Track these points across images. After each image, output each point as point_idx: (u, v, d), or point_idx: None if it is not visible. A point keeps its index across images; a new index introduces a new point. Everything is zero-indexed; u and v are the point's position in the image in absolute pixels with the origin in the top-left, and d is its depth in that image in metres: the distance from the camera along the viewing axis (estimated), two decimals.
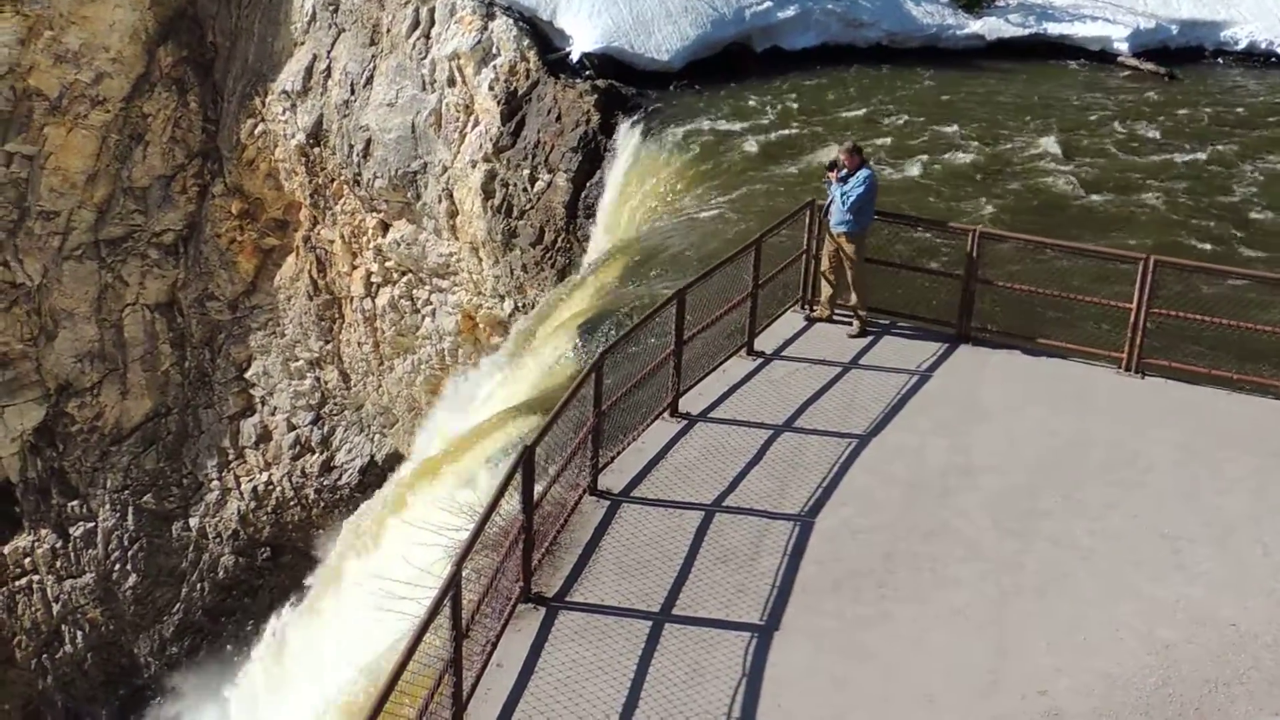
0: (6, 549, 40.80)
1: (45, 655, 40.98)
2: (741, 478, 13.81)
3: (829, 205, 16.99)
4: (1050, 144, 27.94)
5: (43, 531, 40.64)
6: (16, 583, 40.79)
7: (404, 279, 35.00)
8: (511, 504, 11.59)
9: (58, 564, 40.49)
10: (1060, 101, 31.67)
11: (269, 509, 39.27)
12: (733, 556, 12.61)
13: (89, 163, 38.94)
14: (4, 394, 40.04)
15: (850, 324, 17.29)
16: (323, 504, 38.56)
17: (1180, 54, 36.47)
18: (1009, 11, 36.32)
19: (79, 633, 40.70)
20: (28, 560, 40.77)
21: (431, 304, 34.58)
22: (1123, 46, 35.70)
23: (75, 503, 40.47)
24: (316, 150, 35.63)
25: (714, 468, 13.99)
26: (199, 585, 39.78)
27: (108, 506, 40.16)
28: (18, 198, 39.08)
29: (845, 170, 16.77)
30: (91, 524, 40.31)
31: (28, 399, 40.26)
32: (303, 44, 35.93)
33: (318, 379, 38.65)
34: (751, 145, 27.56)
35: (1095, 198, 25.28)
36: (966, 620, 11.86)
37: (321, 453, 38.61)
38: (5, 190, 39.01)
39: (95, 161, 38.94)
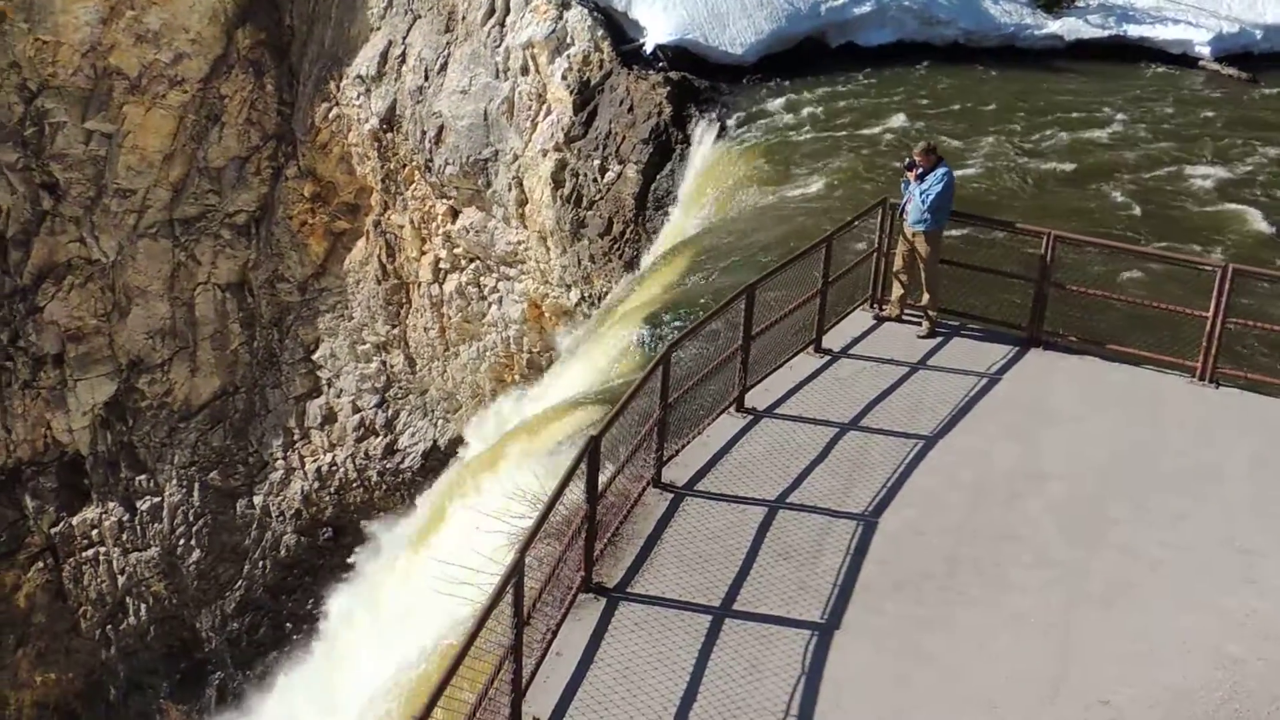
0: (75, 520, 41.49)
1: (109, 626, 41.64)
2: (805, 475, 13.75)
3: (905, 204, 16.85)
4: (1126, 148, 27.58)
5: (110, 504, 41.28)
6: (84, 554, 41.48)
7: (472, 266, 35.18)
8: (575, 494, 11.61)
9: (124, 537, 41.11)
10: (1138, 105, 31.23)
11: (332, 490, 39.65)
12: (794, 554, 12.56)
13: (166, 142, 39.45)
14: (77, 368, 40.70)
15: (920, 324, 17.15)
16: (385, 487, 38.87)
17: (1264, 59, 35.83)
18: (1088, 12, 35.84)
19: (142, 605, 41.31)
20: (95, 532, 41.44)
21: (498, 291, 34.73)
22: (1204, 50, 35.14)
23: (143, 477, 41.06)
24: (389, 135, 35.88)
25: (778, 464, 13.93)
26: (261, 563, 40.25)
27: (174, 482, 40.73)
28: (96, 175, 39.67)
29: (921, 170, 16.63)
30: (158, 499, 40.89)
31: (100, 374, 40.89)
32: (378, 29, 36.18)
33: (384, 362, 38.96)
34: (823, 141, 27.42)
35: (1171, 204, 24.92)
36: (1030, 626, 11.74)
37: (385, 436, 38.92)
38: (84, 167, 39.61)
39: (172, 141, 39.44)
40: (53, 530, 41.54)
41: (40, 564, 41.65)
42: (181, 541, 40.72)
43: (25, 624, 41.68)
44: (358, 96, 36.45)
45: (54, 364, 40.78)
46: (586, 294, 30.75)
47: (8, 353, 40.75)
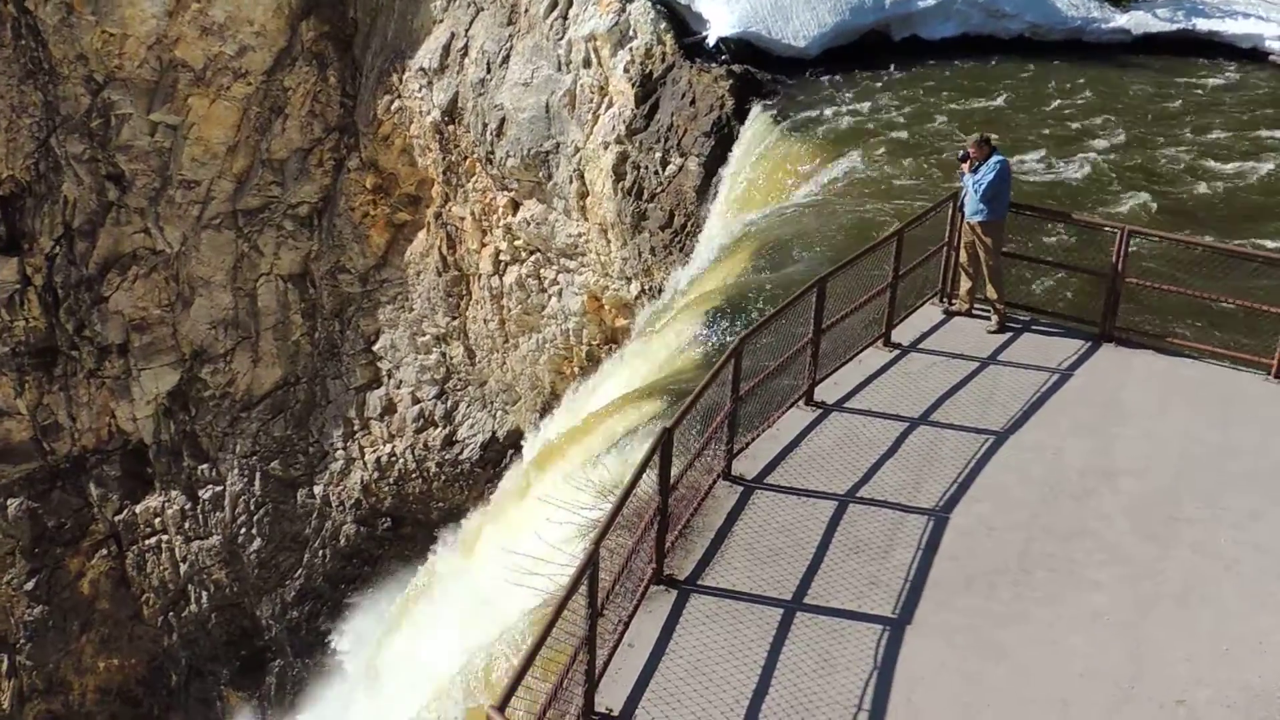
0: (138, 508, 42.02)
1: (171, 613, 42.16)
2: (876, 469, 13.69)
3: (963, 196, 16.80)
4: (1193, 142, 27.21)
5: (173, 493, 41.77)
6: (146, 541, 42.00)
7: (532, 258, 35.27)
8: (647, 486, 11.61)
9: (186, 525, 41.59)
10: (1206, 99, 30.81)
11: (391, 480, 39.92)
12: (865, 548, 12.52)
13: (230, 134, 39.82)
14: (141, 358, 41.21)
15: (989, 318, 17.03)
16: (444, 478, 39.08)
17: None
18: (1157, 6, 35.38)
19: (204, 593, 41.79)
20: (158, 520, 41.95)
21: (558, 284, 34.80)
22: (1275, 45, 34.57)
23: (205, 466, 41.52)
24: (451, 128, 36.03)
25: (848, 458, 13.89)
26: (321, 552, 40.59)
27: (236, 471, 41.15)
28: (161, 166, 40.12)
29: (977, 163, 16.55)
30: (220, 487, 41.34)
31: (163, 363, 41.38)
32: (441, 22, 36.33)
33: (443, 354, 39.15)
34: (886, 135, 27.25)
35: (1243, 198, 24.57)
36: (1104, 625, 11.64)
37: (444, 427, 39.13)
38: (149, 158, 40.07)
39: (236, 133, 39.81)
40: (116, 518, 42.11)
41: (104, 551, 42.25)
42: (243, 530, 41.14)
43: (89, 610, 42.30)
44: (420, 89, 36.62)
45: (118, 353, 41.32)
46: (647, 287, 30.73)
47: (73, 342, 41.34)
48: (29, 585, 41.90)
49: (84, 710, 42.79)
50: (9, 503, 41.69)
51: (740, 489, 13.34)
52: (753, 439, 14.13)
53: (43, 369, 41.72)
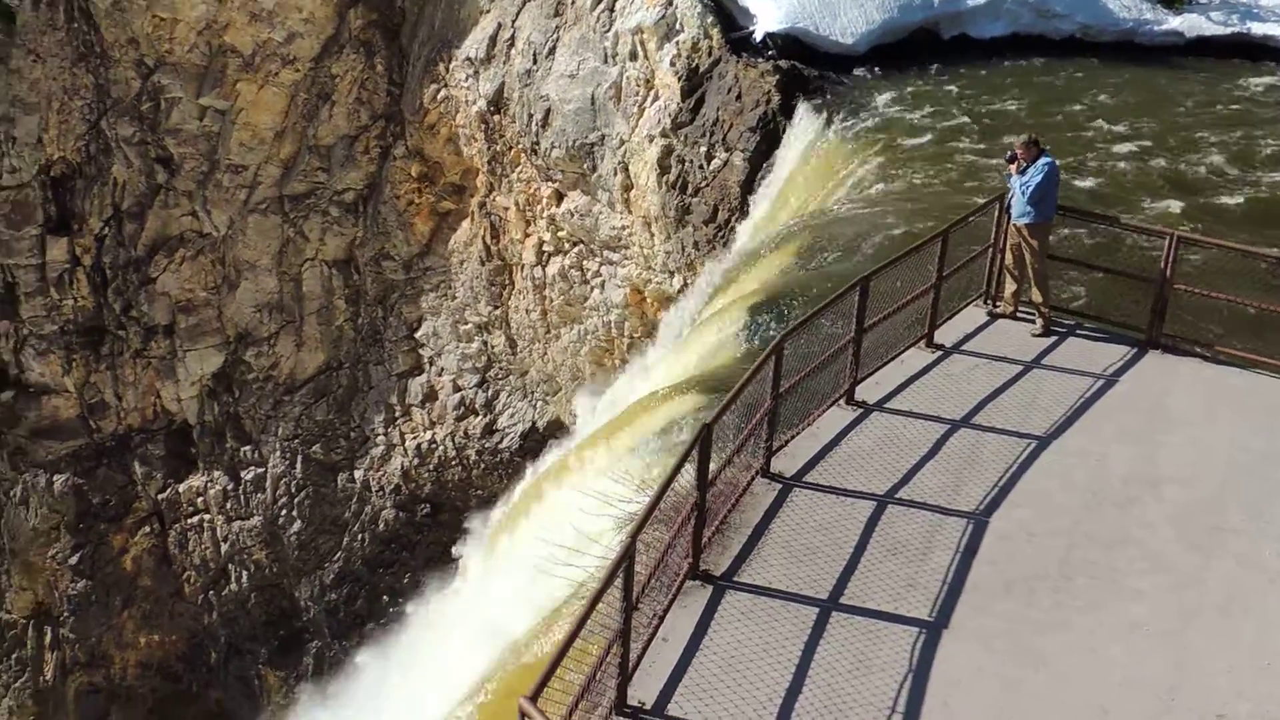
0: (181, 488, 42.42)
1: (211, 592, 42.55)
2: (916, 471, 13.63)
3: (1010, 197, 16.68)
4: (1246, 148, 26.88)
5: (216, 473, 42.14)
6: (189, 520, 42.41)
7: (575, 249, 35.30)
8: (685, 480, 11.60)
9: (228, 505, 41.95)
10: (1258, 105, 30.42)
11: (431, 467, 40.10)
12: (903, 549, 12.47)
13: (277, 120, 40.07)
14: (186, 339, 41.57)
15: (1034, 322, 16.90)
16: (483, 466, 39.22)
17: None
18: (1211, 9, 34.92)
19: (244, 573, 42.15)
20: (200, 500, 42.34)
21: (601, 276, 34.82)
22: None
23: (248, 448, 41.85)
24: (496, 118, 36.11)
25: (888, 458, 13.83)
26: (360, 536, 40.84)
27: (278, 453, 41.46)
28: (209, 150, 40.42)
29: (1025, 164, 16.42)
30: (262, 469, 41.66)
31: (208, 345, 41.73)
32: (488, 12, 36.39)
33: (485, 343, 39.27)
34: (933, 134, 27.09)
35: None
36: (1145, 634, 11.55)
37: (484, 415, 39.26)
38: (198, 143, 40.38)
39: (283, 119, 40.05)
40: (160, 496, 42.54)
41: (147, 529, 42.69)
42: (283, 512, 41.45)
43: (131, 586, 42.77)
44: (466, 78, 36.71)
45: (165, 334, 41.70)
46: (689, 281, 30.70)
47: (120, 322, 41.75)
48: (73, 560, 42.41)
49: (125, 684, 43.29)
50: (55, 479, 42.19)
51: (779, 486, 13.31)
52: (792, 437, 14.09)
53: (90, 348, 42.16)
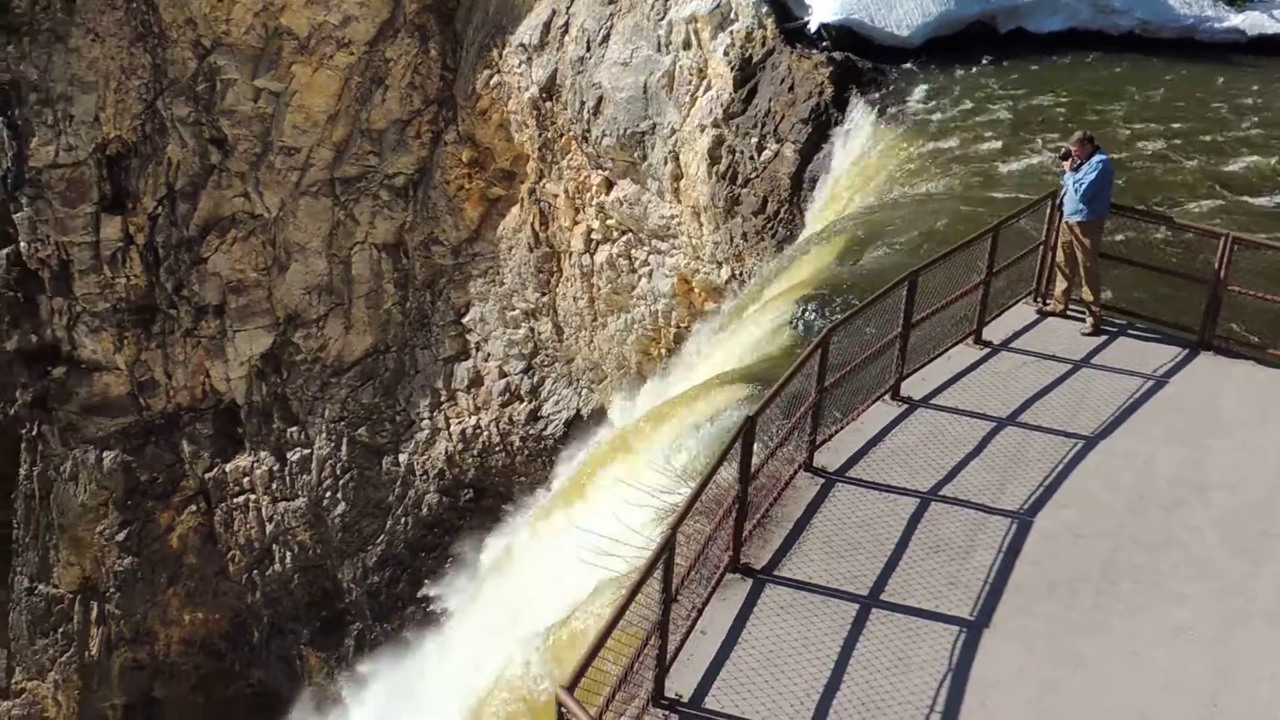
0: (228, 467, 42.80)
1: (256, 571, 42.93)
2: (960, 468, 13.52)
3: (1062, 194, 16.50)
4: None
5: (262, 453, 42.48)
6: (235, 500, 42.78)
7: (624, 238, 35.28)
8: (727, 473, 11.57)
9: (274, 486, 42.28)
10: None
11: (475, 452, 40.23)
12: (946, 547, 12.38)
13: (331, 103, 40.27)
14: (236, 319, 41.91)
15: (1084, 320, 16.72)
16: (527, 452, 39.31)
17: None
18: (1274, 7, 34.33)
19: (288, 553, 42.48)
20: (246, 479, 42.70)
21: (649, 265, 34.78)
22: None
23: (294, 429, 42.15)
24: (548, 104, 36.12)
25: (932, 455, 13.73)
26: (403, 519, 41.05)
27: (324, 435, 41.74)
28: (263, 132, 40.69)
29: (1079, 161, 16.24)
30: (308, 450, 41.96)
31: (258, 326, 42.06)
32: None
33: (532, 329, 39.34)
34: (987, 129, 26.83)
35: None
36: (1188, 640, 11.41)
37: (529, 402, 39.34)
38: (251, 124, 40.66)
39: (337, 102, 40.25)
40: (207, 475, 42.95)
41: (193, 507, 43.12)
42: (328, 494, 41.73)
43: (177, 564, 43.23)
44: (519, 64, 36.74)
45: (215, 314, 42.07)
46: (737, 272, 30.63)
47: (172, 301, 42.16)
48: (120, 536, 42.92)
49: (168, 660, 43.79)
50: (105, 455, 42.69)
51: (821, 481, 13.26)
52: (836, 431, 14.02)
53: (141, 326, 42.61)
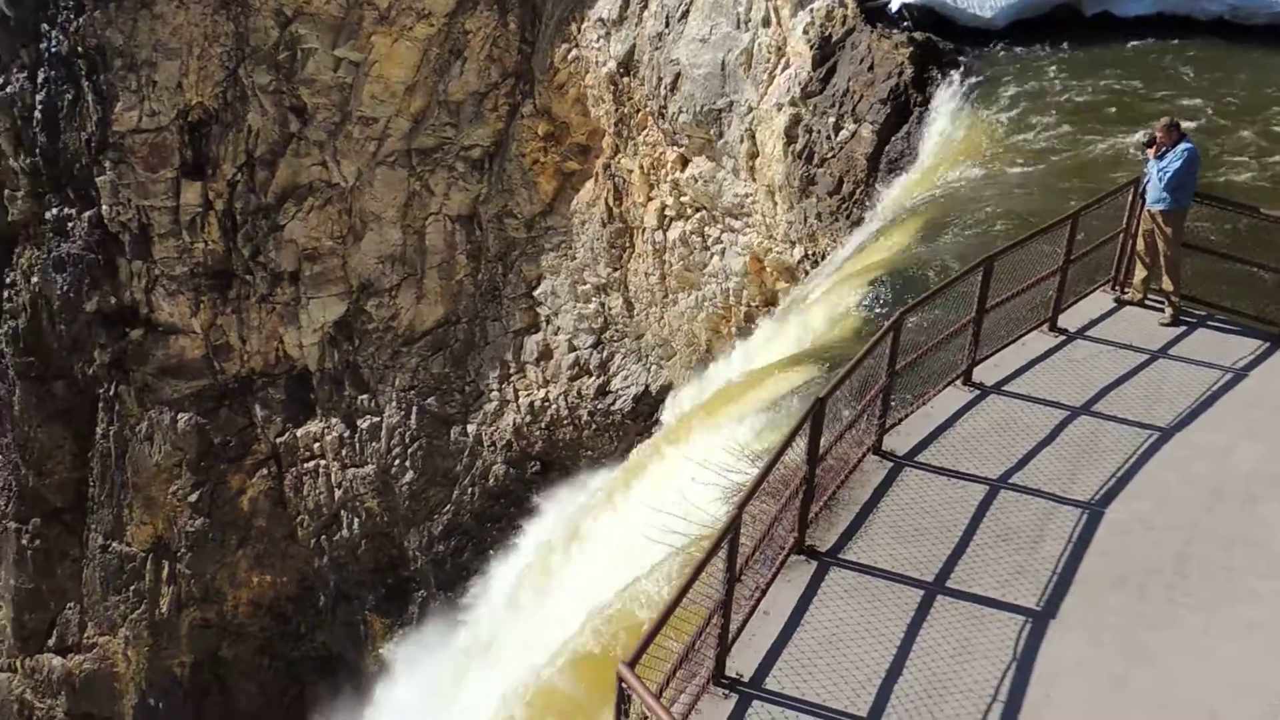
0: (299, 432, 43.31)
1: (323, 536, 43.45)
2: (1031, 456, 13.37)
3: (1146, 182, 16.19)
4: None
5: (333, 420, 42.94)
6: (305, 465, 43.30)
7: (697, 215, 35.19)
8: (795, 454, 11.51)
9: (343, 452, 42.74)
10: None
11: (543, 425, 40.39)
12: (1014, 536, 12.26)
13: (409, 74, 40.46)
14: (311, 286, 42.33)
15: (1163, 310, 16.44)
16: (594, 426, 39.40)
17: None
18: None
19: (356, 520, 42.94)
20: (317, 445, 43.18)
21: (722, 243, 34.67)
22: None
23: (365, 396, 42.56)
24: (625, 80, 36.06)
25: (1003, 442, 13.58)
26: (470, 489, 41.33)
27: (394, 404, 42.09)
28: (341, 101, 40.98)
29: (1164, 149, 15.92)
30: (377, 418, 42.34)
31: (332, 294, 42.45)
32: None
33: (602, 304, 39.38)
34: (1070, 113, 26.43)
35: None
36: (1261, 637, 11.22)
37: (598, 377, 39.42)
38: (331, 93, 40.97)
39: (415, 73, 40.43)
40: (278, 440, 43.49)
41: (264, 471, 43.71)
42: (396, 462, 42.11)
43: (247, 527, 43.85)
44: (598, 39, 36.70)
45: (290, 281, 42.51)
46: (810, 252, 30.43)
47: (248, 267, 42.66)
48: (193, 497, 43.61)
49: (235, 621, 44.49)
50: (179, 417, 43.35)
51: (889, 465, 13.17)
52: (906, 415, 13.92)
53: (218, 290, 43.17)
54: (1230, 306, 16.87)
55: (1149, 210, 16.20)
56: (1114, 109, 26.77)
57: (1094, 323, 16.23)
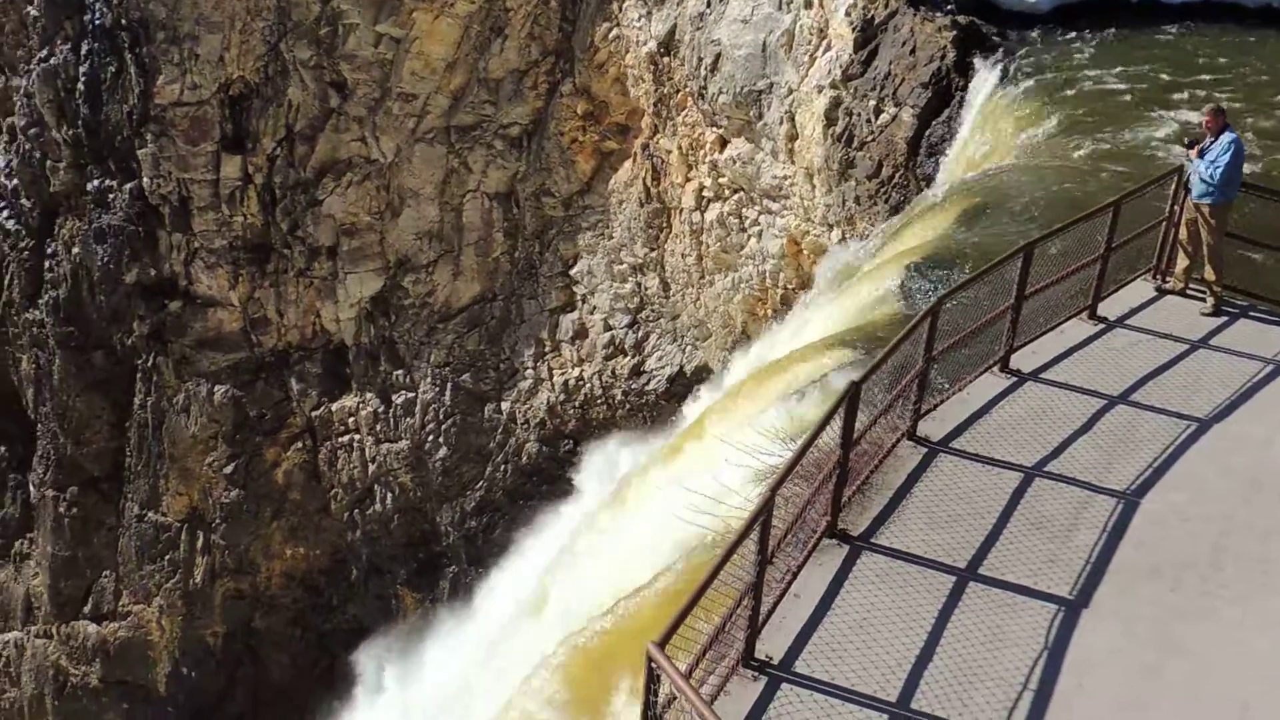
0: (334, 406, 43.51)
1: (356, 510, 43.68)
2: (1067, 445, 13.29)
3: (1189, 174, 16.01)
4: None
5: (368, 395, 43.13)
6: (339, 439, 43.52)
7: (735, 196, 35.09)
8: (829, 438, 11.48)
9: (378, 427, 42.92)
10: None
11: (576, 403, 40.44)
12: (1047, 524, 12.19)
13: (450, 50, 40.44)
14: (348, 261, 42.48)
15: (1204, 300, 16.28)
16: (628, 406, 39.42)
17: None
18: None
19: (389, 494, 43.14)
20: (351, 420, 43.38)
21: (759, 225, 34.57)
22: None
23: (400, 372, 42.71)
24: (665, 60, 35.95)
25: (1039, 430, 13.51)
26: (503, 467, 41.44)
27: (429, 380, 42.22)
28: (381, 77, 41.03)
29: (1209, 138, 15.74)
30: (412, 394, 42.50)
31: (369, 269, 42.59)
32: None
33: (638, 284, 39.36)
34: (1113, 101, 26.17)
35: None
36: None
37: (633, 356, 39.42)
38: (371, 69, 41.02)
39: (456, 50, 40.41)
40: (313, 414, 43.72)
41: (299, 444, 43.95)
42: (430, 438, 42.26)
43: (281, 499, 44.13)
44: (639, 18, 36.59)
45: (328, 256, 42.67)
46: (848, 235, 30.29)
47: (286, 241, 42.83)
48: (228, 469, 43.91)
49: (268, 592, 44.82)
50: (216, 389, 43.63)
51: (924, 450, 13.11)
52: (941, 401, 13.86)
53: (256, 264, 43.37)
54: (1273, 297, 16.71)
55: (1194, 202, 16.03)
56: (1156, 95, 26.52)
57: (1134, 311, 16.11)
